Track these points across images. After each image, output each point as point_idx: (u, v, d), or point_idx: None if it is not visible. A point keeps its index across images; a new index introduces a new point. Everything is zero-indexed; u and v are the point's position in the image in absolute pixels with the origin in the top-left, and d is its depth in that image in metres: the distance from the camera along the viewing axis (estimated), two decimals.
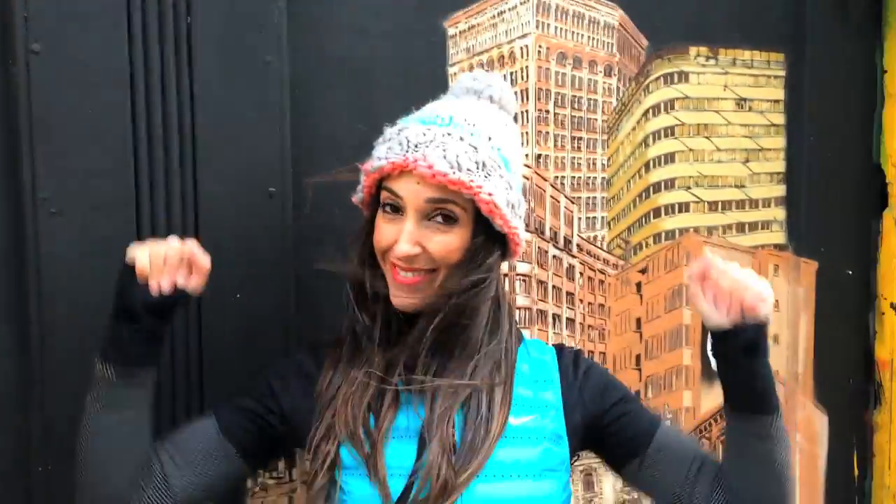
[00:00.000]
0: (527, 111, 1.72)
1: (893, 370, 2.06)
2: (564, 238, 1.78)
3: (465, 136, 1.12)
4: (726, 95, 1.93)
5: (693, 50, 1.88)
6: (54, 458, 1.30)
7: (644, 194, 1.86)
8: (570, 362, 1.25)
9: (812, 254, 2.03)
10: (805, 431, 2.06)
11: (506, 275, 1.71)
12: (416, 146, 1.11)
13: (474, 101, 1.20)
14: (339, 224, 1.54)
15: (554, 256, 1.77)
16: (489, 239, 1.14)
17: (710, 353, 1.96)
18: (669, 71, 1.86)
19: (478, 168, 1.10)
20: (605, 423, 1.22)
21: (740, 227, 1.97)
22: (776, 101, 1.99)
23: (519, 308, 1.73)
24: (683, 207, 1.90)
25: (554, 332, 1.77)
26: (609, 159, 1.82)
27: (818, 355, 2.06)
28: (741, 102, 1.95)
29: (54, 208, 1.28)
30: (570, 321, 1.79)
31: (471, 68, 1.65)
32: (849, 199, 2.06)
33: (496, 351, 1.16)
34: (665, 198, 1.88)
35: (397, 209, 1.13)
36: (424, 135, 1.12)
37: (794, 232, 2.02)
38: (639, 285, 1.87)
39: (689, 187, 1.90)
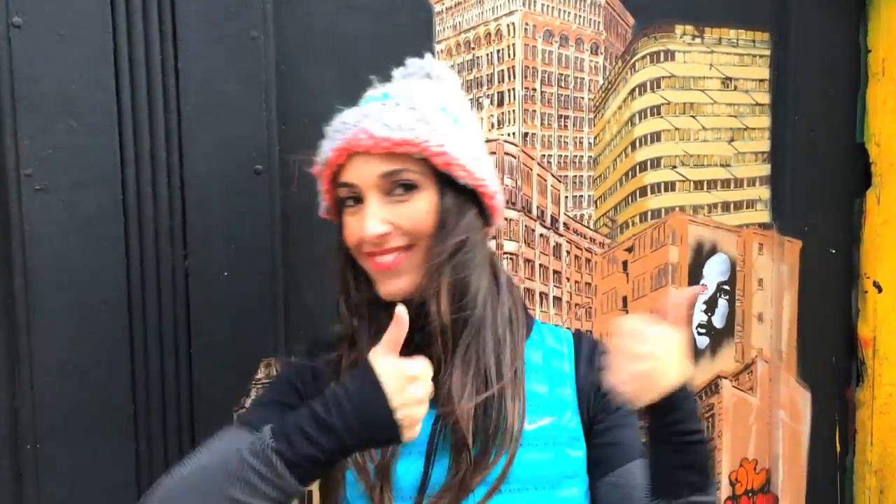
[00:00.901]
0: (513, 89, 1.71)
1: (875, 348, 2.08)
2: (551, 217, 1.78)
3: (401, 103, 1.06)
4: (712, 74, 1.93)
5: (679, 28, 1.88)
6: (43, 436, 1.29)
7: (630, 173, 1.87)
8: (588, 352, 1.17)
9: (796, 232, 2.05)
10: (788, 408, 2.09)
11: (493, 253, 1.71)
12: (354, 124, 1.07)
13: (410, 81, 1.14)
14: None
15: (541, 235, 1.77)
16: (458, 198, 1.07)
17: (695, 332, 1.98)
18: (655, 49, 1.86)
19: (421, 123, 1.04)
20: (595, 426, 1.13)
21: (725, 206, 1.98)
22: (761, 81, 1.99)
23: None
24: (669, 186, 1.91)
25: (541, 311, 1.77)
26: (595, 138, 1.82)
27: (802, 333, 2.08)
28: (727, 81, 1.95)
29: (38, 185, 1.27)
30: (557, 300, 1.80)
31: (457, 46, 1.64)
32: (832, 179, 2.08)
33: (500, 338, 1.08)
34: (651, 177, 1.89)
35: (358, 199, 1.08)
36: (360, 113, 1.08)
37: (778, 211, 2.03)
38: (625, 264, 1.87)
39: (674, 166, 1.91)
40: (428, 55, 1.19)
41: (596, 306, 1.85)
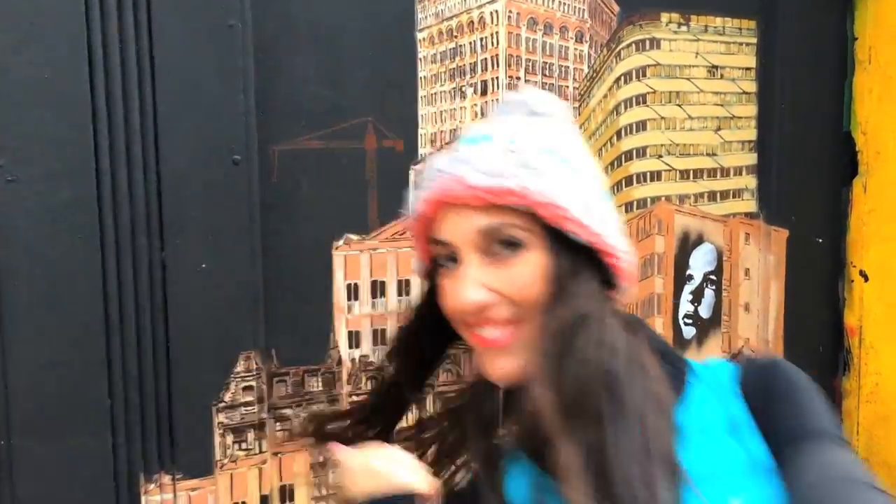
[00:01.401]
0: (497, 78, 1.69)
1: (862, 337, 2.07)
2: None
3: (500, 145, 0.89)
4: (698, 63, 1.92)
5: (665, 16, 1.86)
6: (17, 431, 1.27)
7: (616, 162, 1.85)
8: (760, 382, 0.93)
9: (783, 222, 2.04)
10: None
11: None
12: (447, 171, 0.90)
13: (510, 119, 0.96)
14: (306, 193, 1.52)
15: None
16: (575, 259, 0.88)
17: (681, 322, 1.97)
18: (641, 38, 1.84)
19: (524, 169, 0.87)
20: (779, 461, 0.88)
21: (712, 196, 1.97)
22: (748, 69, 1.98)
23: None
24: (655, 176, 1.89)
25: None
26: (580, 127, 1.80)
27: (788, 323, 2.07)
28: (713, 70, 1.93)
29: (10, 175, 1.25)
30: None
31: (440, 34, 1.62)
32: (819, 168, 2.07)
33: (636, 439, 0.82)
34: (637, 166, 1.87)
35: (455, 259, 0.91)
36: (453, 158, 0.92)
37: (765, 200, 2.02)
38: None
39: (660, 155, 1.89)
40: (528, 87, 1.05)
41: None
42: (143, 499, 1.36)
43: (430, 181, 0.94)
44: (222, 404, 1.41)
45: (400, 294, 1.63)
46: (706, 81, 1.93)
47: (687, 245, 1.94)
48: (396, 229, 1.62)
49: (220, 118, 1.39)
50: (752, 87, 1.98)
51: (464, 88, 1.66)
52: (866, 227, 2.05)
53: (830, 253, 2.10)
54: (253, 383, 1.44)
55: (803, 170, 2.04)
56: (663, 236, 1.91)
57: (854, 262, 2.08)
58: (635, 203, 1.87)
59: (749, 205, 2.01)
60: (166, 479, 1.37)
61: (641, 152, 1.87)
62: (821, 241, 2.08)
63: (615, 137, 1.84)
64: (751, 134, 1.99)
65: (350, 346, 1.58)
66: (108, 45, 1.31)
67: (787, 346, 2.07)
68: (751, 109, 1.99)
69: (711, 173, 1.96)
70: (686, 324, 1.96)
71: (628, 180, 1.86)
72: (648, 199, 1.89)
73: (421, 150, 1.63)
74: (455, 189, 0.89)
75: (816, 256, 2.08)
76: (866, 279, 2.05)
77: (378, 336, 1.61)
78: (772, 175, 2.01)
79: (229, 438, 1.43)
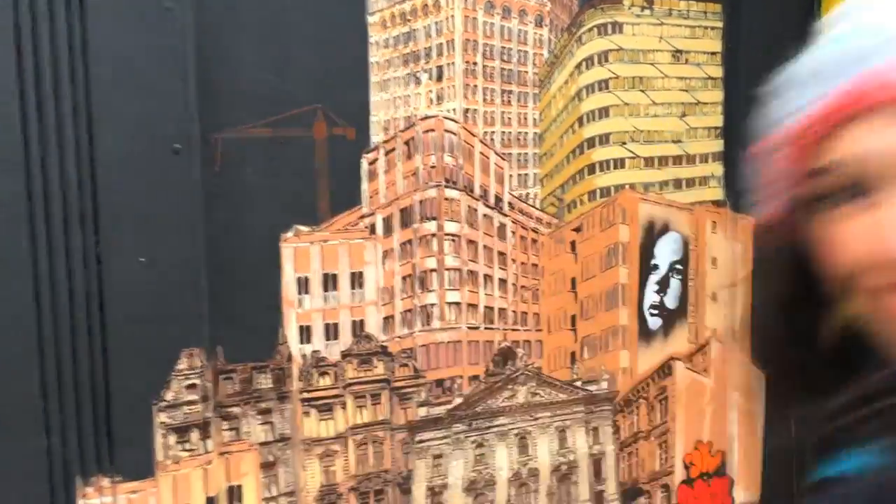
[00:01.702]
0: (453, 63, 1.64)
1: None
2: (495, 196, 1.71)
3: None
4: (662, 47, 1.87)
5: (627, 0, 1.81)
6: None
7: (578, 150, 1.80)
8: None
9: (749, 210, 2.00)
10: (743, 389, 2.04)
11: (434, 235, 1.65)
12: (867, 58, 0.60)
13: None
14: (252, 183, 1.46)
15: (484, 215, 1.70)
16: None
17: (647, 313, 1.92)
18: (603, 21, 1.79)
19: None
20: None
21: (677, 184, 1.92)
22: (713, 54, 1.93)
23: (448, 269, 1.66)
24: (619, 163, 1.85)
25: (485, 293, 1.71)
26: (541, 114, 1.75)
27: (756, 312, 2.03)
28: (677, 54, 1.89)
29: None
30: (503, 282, 1.74)
31: (392, 18, 1.57)
32: None
33: None
34: (600, 153, 1.82)
35: (859, 191, 0.61)
36: (875, 37, 0.61)
37: (731, 187, 1.98)
38: (573, 244, 1.81)
39: (624, 143, 1.85)
40: None
41: (543, 288, 1.79)
42: (80, 503, 1.30)
43: (826, 75, 0.63)
44: (164, 403, 1.36)
45: (353, 287, 1.58)
46: (671, 66, 1.89)
47: (652, 234, 1.90)
48: (349, 220, 1.57)
49: (158, 105, 1.33)
50: (717, 72, 1.94)
51: (418, 74, 1.61)
52: None
53: None
54: (197, 381, 1.39)
55: None
56: (628, 225, 1.86)
57: None
58: (598, 192, 1.83)
59: (716, 192, 1.97)
60: (105, 481, 1.32)
61: (604, 139, 1.82)
62: None
63: (577, 124, 1.80)
64: (717, 120, 1.95)
65: (301, 342, 1.53)
66: (37, 30, 1.25)
67: (755, 337, 2.04)
68: (717, 95, 1.95)
69: (677, 161, 1.92)
70: (652, 314, 1.92)
71: (591, 168, 1.82)
72: (612, 188, 1.84)
73: (373, 138, 1.57)
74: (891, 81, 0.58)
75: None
76: None
77: (330, 331, 1.56)
78: (738, 162, 1.96)
79: (172, 438, 1.38)
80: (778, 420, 2.11)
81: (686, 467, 1.99)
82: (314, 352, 1.55)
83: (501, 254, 1.73)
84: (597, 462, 1.88)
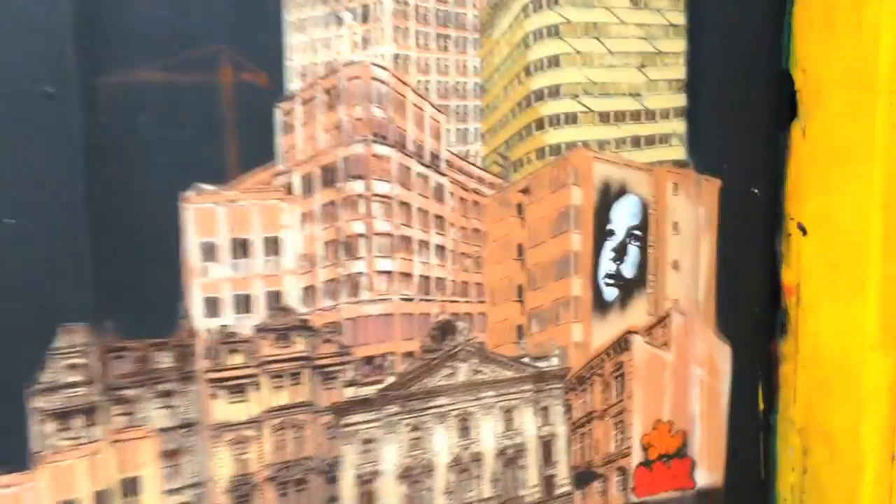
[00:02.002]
0: (381, 3, 1.46)
1: (800, 296, 1.90)
2: (431, 153, 1.54)
3: None
4: None
5: None
6: None
7: (524, 103, 1.63)
8: None
9: (714, 170, 1.84)
10: (707, 364, 1.90)
11: (361, 196, 1.48)
12: None
13: None
14: (145, 135, 1.28)
15: (419, 174, 1.53)
16: None
17: (602, 283, 1.77)
18: None
19: None
20: None
21: (635, 142, 1.76)
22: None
23: (378, 234, 1.49)
24: (570, 119, 1.68)
25: (421, 261, 1.55)
26: (483, 62, 1.58)
27: (721, 282, 1.88)
28: None
29: None
30: (440, 248, 1.57)
31: None
32: (755, 110, 1.86)
33: None
34: (549, 107, 1.65)
35: None
36: None
37: (695, 146, 1.82)
38: (520, 207, 1.65)
39: (576, 95, 1.68)
40: None
41: (486, 256, 1.62)
42: None
43: None
44: (40, 386, 1.19)
45: (268, 254, 1.41)
46: (628, 12, 1.71)
47: (607, 197, 1.73)
48: (262, 178, 1.39)
49: (23, 43, 1.15)
50: (680, 19, 1.77)
51: (341, 14, 1.42)
52: (805, 176, 1.86)
53: (767, 204, 1.91)
54: (79, 360, 1.21)
55: (737, 112, 1.84)
56: (580, 187, 1.70)
57: (792, 214, 1.89)
58: (548, 149, 1.66)
59: (677, 151, 1.81)
60: None
61: (554, 92, 1.65)
62: (756, 191, 1.89)
63: (523, 74, 1.62)
64: (679, 72, 1.78)
65: (206, 315, 1.36)
66: None
67: (720, 307, 1.89)
68: (679, 44, 1.78)
69: (635, 116, 1.75)
70: (607, 284, 1.76)
71: (539, 124, 1.65)
72: (563, 146, 1.67)
73: (288, 86, 1.40)
74: None
75: (752, 208, 1.89)
76: (805, 233, 1.87)
77: (241, 303, 1.39)
78: (703, 118, 1.80)
79: (51, 426, 1.21)
80: (744, 397, 1.97)
81: (644, 449, 1.84)
82: (222, 326, 1.38)
83: (439, 217, 1.56)
84: (547, 444, 1.73)
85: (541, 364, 1.71)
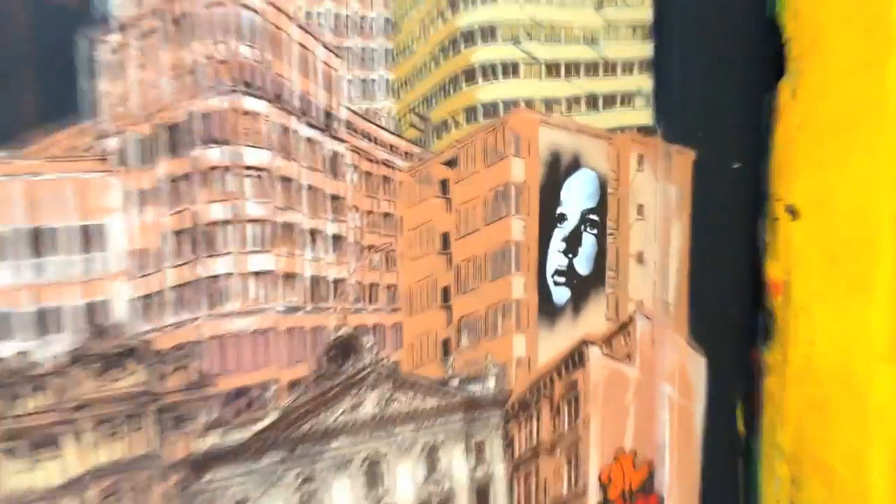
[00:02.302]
0: None
1: (789, 295, 1.55)
2: (323, 111, 1.14)
3: None
4: None
5: None
6: None
7: (449, 47, 1.24)
8: None
9: (688, 139, 1.49)
10: (678, 380, 1.55)
11: (225, 168, 1.07)
12: None
13: None
14: None
15: (307, 140, 1.13)
16: None
17: (551, 282, 1.40)
18: None
19: None
20: None
21: (591, 102, 1.39)
22: None
23: (250, 221, 1.09)
24: (509, 70, 1.30)
25: (310, 258, 1.15)
26: None
27: (695, 278, 1.53)
28: None
29: None
30: (338, 240, 1.17)
31: None
32: (736, 66, 1.51)
33: None
34: (481, 54, 1.27)
35: None
36: None
37: (664, 109, 1.46)
38: (445, 184, 1.26)
39: (516, 40, 1.29)
40: None
41: (402, 249, 1.23)
42: None
43: None
44: None
45: (86, 250, 0.99)
46: None
47: (557, 172, 1.36)
48: (74, 142, 0.98)
49: None
50: None
51: None
52: (795, 146, 1.51)
53: (749, 182, 1.56)
54: None
55: (715, 68, 1.48)
56: (523, 159, 1.32)
57: (780, 193, 1.54)
58: (480, 109, 1.28)
59: (643, 115, 1.45)
60: None
61: (489, 34, 1.27)
62: (737, 165, 1.54)
63: (448, 10, 1.23)
64: (644, 13, 1.42)
65: None
66: None
67: (694, 309, 1.54)
68: None
69: (591, 69, 1.38)
70: (557, 283, 1.39)
71: (469, 75, 1.26)
72: (500, 104, 1.29)
73: (115, 10, 0.98)
74: None
75: (732, 187, 1.54)
76: (795, 216, 1.52)
77: (47, 320, 0.97)
78: (673, 74, 1.44)
79: None
80: (721, 418, 1.63)
81: (603, 486, 1.48)
82: (19, 354, 0.96)
83: (336, 198, 1.17)
84: (482, 489, 1.35)
85: (474, 388, 1.33)
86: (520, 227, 1.34)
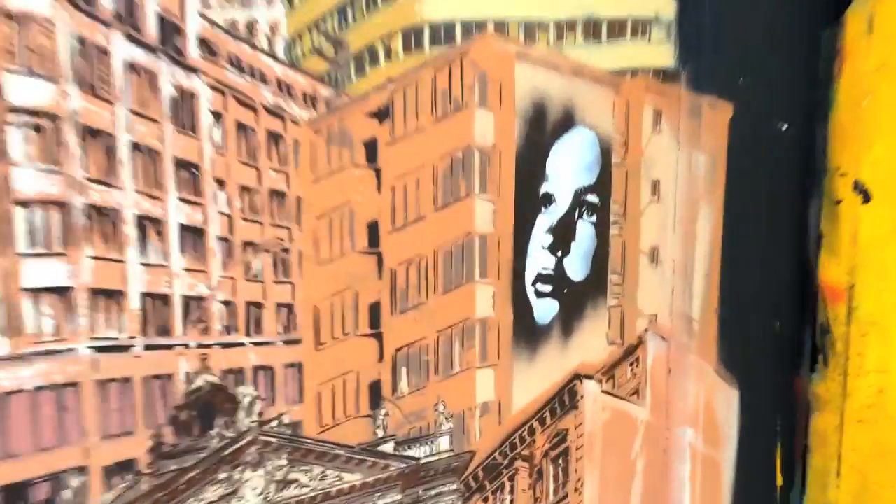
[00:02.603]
0: None
1: (854, 304, 1.14)
2: (159, 18, 0.69)
3: None
4: None
5: None
6: None
7: None
8: None
9: (723, 89, 1.06)
10: (701, 423, 1.13)
11: None
12: None
13: None
14: None
15: (133, 67, 0.68)
16: None
17: (531, 292, 0.97)
18: None
19: None
20: None
21: (591, 29, 0.95)
22: None
23: (25, 203, 0.64)
24: None
25: (141, 263, 0.70)
26: None
27: (728, 284, 1.10)
28: None
29: None
30: (191, 234, 0.72)
31: None
32: None
33: None
34: None
35: None
36: None
37: (690, 45, 1.03)
38: (372, 148, 0.82)
39: None
40: None
41: (303, 247, 0.78)
42: None
43: None
44: None
45: None
46: None
47: (541, 132, 0.93)
48: None
49: None
50: None
51: None
52: (870, 103, 1.09)
53: (802, 148, 1.13)
54: None
55: None
56: (491, 111, 0.88)
57: (844, 167, 1.12)
58: (427, 32, 0.83)
59: (661, 53, 1.02)
60: None
61: None
62: (786, 127, 1.11)
63: None
64: None
65: None
66: None
67: (726, 325, 1.12)
68: None
69: None
70: (541, 294, 0.96)
71: None
72: (457, 27, 0.85)
73: None
74: None
75: (779, 157, 1.12)
76: (867, 199, 1.10)
77: None
78: None
79: None
80: (757, 469, 1.21)
81: None
82: None
83: (187, 166, 0.72)
84: None
85: (418, 452, 0.89)
86: (487, 214, 0.90)
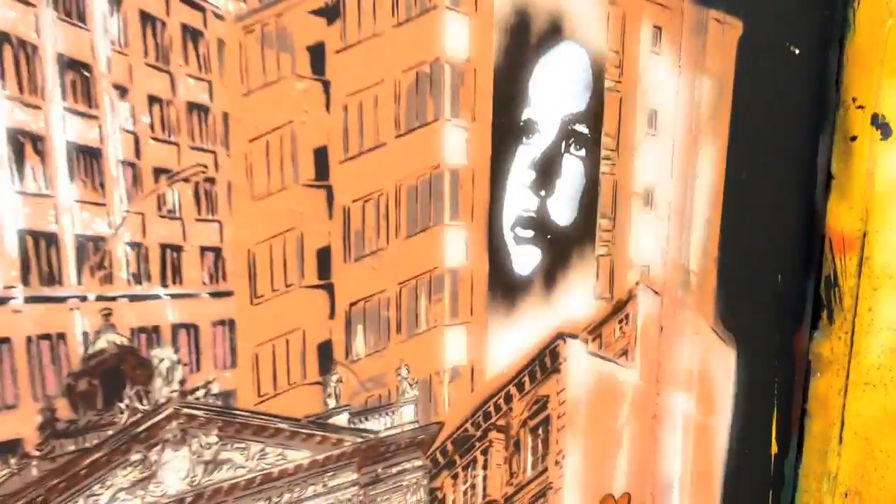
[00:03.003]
0: None
1: (865, 255, 1.02)
2: None
3: None
4: None
5: None
6: None
7: None
8: None
9: (732, 3, 0.91)
10: (695, 388, 1.01)
11: None
12: None
13: None
14: None
15: None
16: None
17: (510, 237, 0.83)
18: None
19: None
20: None
21: None
22: None
23: None
24: None
25: (19, 196, 0.54)
26: None
27: (728, 229, 0.98)
28: None
29: None
30: (89, 156, 0.57)
31: None
32: None
33: None
34: None
35: None
36: None
37: None
38: (318, 53, 0.66)
39: None
40: None
41: (231, 178, 0.63)
42: None
43: None
44: None
45: None
46: None
47: (524, 45, 0.78)
48: None
49: None
50: None
51: None
52: (892, 23, 0.96)
53: (815, 75, 1.00)
54: None
55: None
56: (466, 15, 0.73)
57: (861, 98, 0.99)
58: None
59: None
60: None
61: None
62: (798, 51, 0.98)
63: None
64: None
65: None
66: None
67: (725, 278, 0.99)
68: None
69: None
70: (521, 239, 0.82)
71: None
72: None
73: None
74: None
75: (790, 85, 0.99)
76: (886, 134, 0.98)
77: None
78: None
79: None
80: (755, 438, 1.10)
81: None
82: None
83: (76, 67, 0.56)
84: None
85: (376, 424, 0.75)
86: (459, 143, 0.75)
